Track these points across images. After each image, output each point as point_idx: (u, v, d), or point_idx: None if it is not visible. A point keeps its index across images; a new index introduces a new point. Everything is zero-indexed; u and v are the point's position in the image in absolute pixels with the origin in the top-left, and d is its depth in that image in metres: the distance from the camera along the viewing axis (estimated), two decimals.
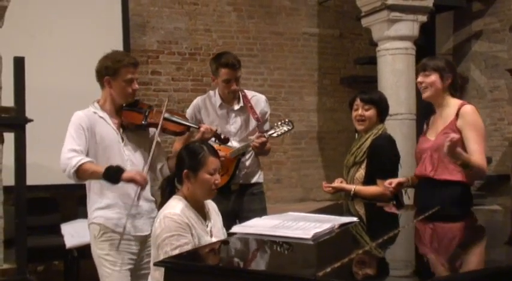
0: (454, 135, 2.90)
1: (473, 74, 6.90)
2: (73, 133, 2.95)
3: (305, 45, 7.09)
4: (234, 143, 3.71)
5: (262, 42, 6.85)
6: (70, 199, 5.32)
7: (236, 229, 2.36)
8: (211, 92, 3.84)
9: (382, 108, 3.39)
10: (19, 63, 3.97)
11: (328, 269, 1.73)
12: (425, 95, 3.24)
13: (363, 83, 6.74)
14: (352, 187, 3.31)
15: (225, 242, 2.46)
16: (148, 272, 2.85)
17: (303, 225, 2.29)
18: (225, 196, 3.68)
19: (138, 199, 2.91)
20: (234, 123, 3.75)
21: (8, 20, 4.12)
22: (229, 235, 2.39)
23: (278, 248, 2.22)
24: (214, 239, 2.67)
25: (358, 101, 3.37)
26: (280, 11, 6.95)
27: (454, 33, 7.16)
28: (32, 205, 4.47)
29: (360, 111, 3.35)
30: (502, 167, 6.46)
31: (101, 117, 3.03)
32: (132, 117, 3.09)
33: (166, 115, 3.13)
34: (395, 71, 5.61)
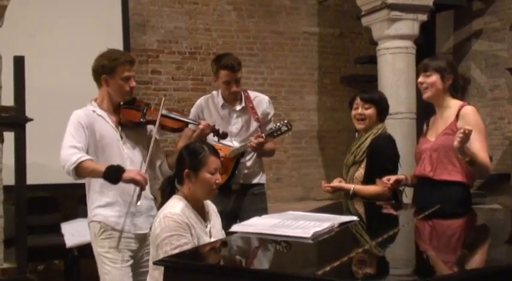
0: (468, 127, 2.89)
1: (474, 73, 6.90)
2: (72, 131, 2.94)
3: (305, 44, 7.08)
4: (235, 144, 3.72)
5: (262, 42, 6.85)
6: (70, 198, 5.32)
7: (236, 228, 2.36)
8: (214, 93, 3.86)
9: (382, 107, 3.38)
10: (19, 63, 3.97)
11: (328, 268, 1.73)
12: (426, 95, 3.23)
13: (363, 82, 6.74)
14: (351, 187, 3.31)
15: (224, 241, 2.47)
16: (148, 270, 2.85)
17: (302, 224, 2.29)
18: (226, 195, 3.68)
19: (138, 199, 2.91)
20: (236, 124, 3.76)
21: (7, 19, 4.12)
22: (229, 234, 2.39)
23: (278, 247, 2.22)
24: (213, 240, 2.67)
25: (358, 100, 3.37)
26: (280, 10, 6.95)
27: (454, 32, 7.16)
28: (32, 204, 4.48)
29: (359, 110, 3.35)
30: (502, 166, 6.46)
31: (99, 115, 3.03)
32: (130, 115, 3.10)
33: (164, 112, 3.14)
34: (396, 70, 5.61)
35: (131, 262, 3.03)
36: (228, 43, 6.62)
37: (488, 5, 6.78)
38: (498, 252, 2.25)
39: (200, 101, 3.87)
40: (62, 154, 2.89)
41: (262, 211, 3.70)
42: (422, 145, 3.30)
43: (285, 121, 3.62)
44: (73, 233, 4.44)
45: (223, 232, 2.79)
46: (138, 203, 2.93)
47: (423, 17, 5.73)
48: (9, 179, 4.00)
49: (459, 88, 3.26)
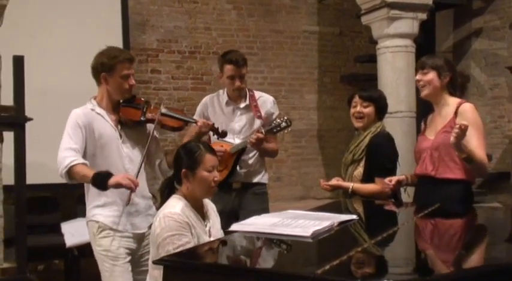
0: (464, 122, 2.89)
1: (474, 71, 6.89)
2: (70, 131, 2.95)
3: (305, 43, 7.08)
4: (237, 141, 3.75)
5: (262, 41, 6.84)
6: (70, 198, 5.31)
7: (235, 227, 2.36)
8: (220, 91, 3.92)
9: (380, 105, 3.38)
10: (18, 62, 3.96)
11: (327, 267, 1.73)
12: (424, 93, 3.24)
13: (363, 81, 6.74)
14: (350, 185, 3.31)
15: (224, 241, 2.46)
16: (148, 269, 2.86)
17: (302, 223, 2.29)
18: (227, 193, 3.71)
19: (128, 202, 2.91)
20: (239, 121, 3.79)
21: (7, 19, 4.12)
22: (228, 233, 2.39)
23: (277, 246, 2.22)
24: (213, 239, 2.67)
25: (356, 98, 3.37)
26: (280, 9, 6.94)
27: (454, 31, 7.15)
28: (32, 204, 4.47)
29: (358, 108, 3.35)
30: (502, 165, 6.45)
31: (98, 114, 3.03)
32: (130, 114, 3.09)
33: (164, 110, 3.14)
34: (395, 69, 5.61)
35: (129, 258, 3.05)
36: (227, 42, 6.61)
37: (488, 4, 6.77)
38: (498, 251, 2.25)
39: (206, 98, 3.94)
40: (58, 156, 2.91)
41: (263, 211, 3.68)
42: (421, 143, 3.30)
43: (285, 117, 3.65)
44: (73, 232, 4.43)
45: (222, 231, 2.80)
46: (127, 205, 2.93)
47: (423, 16, 5.72)
48: (9, 179, 3.99)
49: (457, 86, 3.26)
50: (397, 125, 5.41)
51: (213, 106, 3.86)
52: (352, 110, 3.39)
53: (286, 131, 3.68)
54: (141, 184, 2.96)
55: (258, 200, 3.81)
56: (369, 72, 6.68)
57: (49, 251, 4.76)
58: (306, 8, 7.07)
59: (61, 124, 3.05)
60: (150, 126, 3.16)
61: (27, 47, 4.71)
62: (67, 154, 2.88)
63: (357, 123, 3.38)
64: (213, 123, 3.41)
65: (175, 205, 2.64)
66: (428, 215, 2.78)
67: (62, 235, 4.49)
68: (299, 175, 6.97)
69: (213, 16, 6.64)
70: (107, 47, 3.08)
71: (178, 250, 2.45)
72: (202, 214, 2.74)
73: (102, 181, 2.83)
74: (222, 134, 3.48)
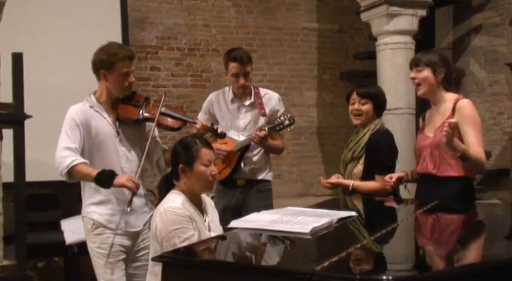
0: (451, 120, 2.89)
1: (473, 68, 6.88)
2: (68, 130, 2.95)
3: (304, 40, 7.07)
4: (241, 138, 3.78)
5: (261, 38, 6.83)
6: (70, 195, 5.29)
7: (235, 223, 2.36)
8: (226, 88, 3.95)
9: (379, 102, 3.38)
10: (17, 59, 3.95)
11: (326, 264, 1.73)
12: (420, 92, 3.23)
13: (363, 78, 6.73)
14: (350, 183, 3.31)
15: (223, 237, 2.47)
16: (144, 264, 2.88)
17: (301, 220, 2.29)
18: (231, 190, 3.77)
19: (129, 204, 2.91)
20: (244, 118, 3.82)
21: (6, 16, 4.11)
22: (228, 229, 2.39)
23: (276, 243, 2.22)
24: (212, 234, 2.68)
25: (354, 95, 3.37)
26: (279, 6, 6.93)
27: (454, 28, 7.13)
28: (31, 202, 4.46)
29: (356, 106, 3.35)
30: (501, 161, 6.44)
31: (96, 111, 3.03)
32: (128, 112, 3.08)
33: (163, 110, 3.12)
34: (395, 66, 5.59)
35: (123, 256, 3.05)
36: (227, 39, 6.61)
37: (488, 0, 6.75)
38: (497, 247, 2.25)
39: (211, 96, 3.97)
40: (57, 156, 2.90)
41: (267, 208, 3.70)
42: (421, 141, 3.29)
43: (288, 115, 3.67)
44: (73, 230, 4.43)
45: (220, 226, 2.80)
46: (128, 209, 2.93)
47: (422, 13, 5.71)
48: (9, 176, 3.99)
49: (453, 81, 3.25)
50: (397, 122, 5.40)
51: (218, 103, 3.89)
52: (351, 108, 3.39)
53: (289, 129, 3.69)
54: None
55: (262, 197, 3.83)
56: (368, 69, 6.68)
57: (49, 249, 4.75)
58: (305, 4, 7.06)
59: (60, 122, 3.05)
60: (149, 125, 3.15)
61: (26, 44, 4.69)
62: (66, 154, 2.88)
63: (356, 121, 3.38)
64: (212, 124, 3.42)
65: (175, 199, 2.65)
66: (428, 212, 2.78)
67: (61, 232, 4.49)
68: (299, 172, 6.97)
69: (212, 13, 6.63)
70: (108, 43, 3.06)
71: (185, 243, 2.46)
72: (201, 209, 2.75)
73: (106, 179, 2.85)
74: (221, 135, 3.49)
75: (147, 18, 6.33)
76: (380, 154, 3.28)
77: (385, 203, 3.28)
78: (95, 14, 5.63)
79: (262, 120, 3.80)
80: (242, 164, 3.78)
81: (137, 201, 3.08)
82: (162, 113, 3.11)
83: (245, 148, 3.75)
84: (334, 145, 6.95)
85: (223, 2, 6.67)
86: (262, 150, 3.83)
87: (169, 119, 3.16)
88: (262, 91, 3.91)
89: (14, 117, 3.92)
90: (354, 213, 2.56)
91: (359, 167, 3.32)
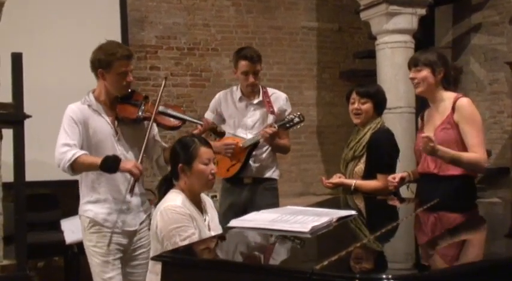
0: (424, 135, 2.93)
1: (473, 67, 6.88)
2: (66, 128, 2.95)
3: (304, 39, 7.07)
4: (249, 136, 3.82)
5: (261, 37, 6.83)
6: (70, 195, 5.26)
7: (234, 223, 2.36)
8: (234, 87, 3.99)
9: (378, 101, 3.38)
10: (17, 59, 3.95)
11: (326, 263, 1.73)
12: (418, 90, 3.22)
13: (362, 77, 6.71)
14: (352, 182, 3.31)
15: (223, 237, 2.47)
16: (141, 263, 2.88)
17: (301, 219, 2.28)
18: (238, 188, 3.81)
19: (132, 191, 2.91)
20: (252, 117, 3.86)
21: (5, 16, 4.11)
22: (228, 229, 2.39)
23: (276, 242, 2.22)
24: (212, 233, 2.68)
25: (354, 95, 3.37)
26: (278, 5, 6.93)
27: (453, 26, 7.12)
28: (31, 201, 4.46)
29: (356, 105, 3.35)
30: (501, 160, 6.44)
31: (95, 110, 3.03)
32: (126, 111, 3.07)
33: (161, 108, 3.12)
34: (395, 65, 5.60)
35: (120, 255, 3.06)
36: (226, 39, 6.61)
37: None
38: (497, 246, 2.25)
39: (219, 94, 4.00)
40: (56, 153, 2.91)
41: (272, 206, 3.70)
42: (421, 141, 3.28)
43: (298, 113, 3.70)
44: (73, 229, 4.43)
45: (219, 225, 2.81)
46: (128, 196, 2.93)
47: (422, 11, 5.71)
48: (8, 176, 3.99)
49: (451, 80, 3.24)
50: (397, 120, 5.41)
51: (226, 102, 3.93)
52: (351, 107, 3.39)
53: (298, 126, 3.71)
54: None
55: (268, 196, 3.86)
56: (368, 68, 6.67)
57: (49, 248, 4.75)
58: (305, 4, 7.06)
59: (60, 122, 3.05)
60: (148, 124, 3.14)
61: (26, 44, 4.69)
62: (66, 149, 2.89)
63: (356, 120, 3.38)
64: (213, 123, 3.42)
65: (175, 198, 2.65)
66: (429, 210, 2.78)
67: (61, 232, 4.49)
68: (299, 171, 6.97)
69: (212, 12, 6.63)
70: (106, 42, 3.07)
71: (186, 241, 2.46)
72: (201, 208, 2.75)
73: (112, 164, 2.86)
74: (220, 134, 3.50)
75: (146, 18, 6.33)
76: (381, 152, 3.28)
77: (385, 202, 3.28)
78: (95, 14, 5.63)
79: (270, 118, 3.84)
80: (251, 161, 3.80)
81: (134, 200, 3.08)
82: (160, 112, 3.10)
83: (254, 146, 3.77)
84: (334, 144, 6.95)
85: (223, 2, 6.67)
86: (270, 148, 3.85)
87: (166, 118, 3.16)
88: (270, 91, 3.95)
89: (13, 117, 3.91)
90: (353, 212, 2.56)
91: (360, 166, 3.32)
